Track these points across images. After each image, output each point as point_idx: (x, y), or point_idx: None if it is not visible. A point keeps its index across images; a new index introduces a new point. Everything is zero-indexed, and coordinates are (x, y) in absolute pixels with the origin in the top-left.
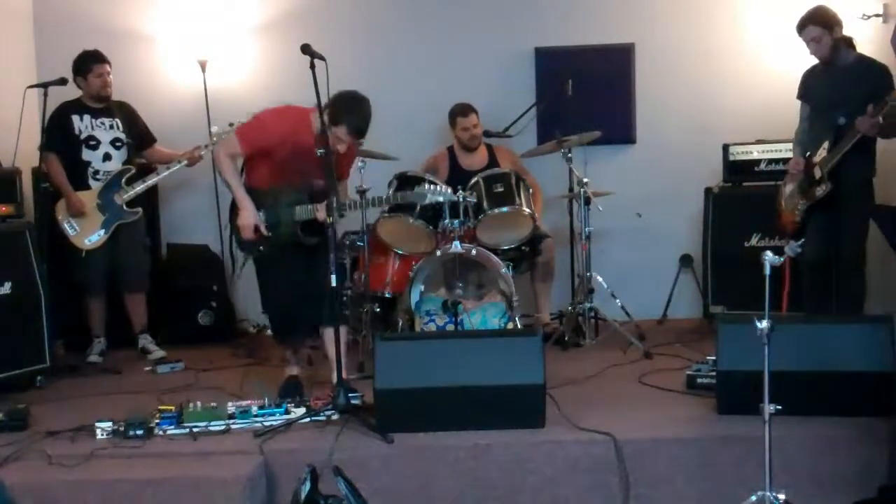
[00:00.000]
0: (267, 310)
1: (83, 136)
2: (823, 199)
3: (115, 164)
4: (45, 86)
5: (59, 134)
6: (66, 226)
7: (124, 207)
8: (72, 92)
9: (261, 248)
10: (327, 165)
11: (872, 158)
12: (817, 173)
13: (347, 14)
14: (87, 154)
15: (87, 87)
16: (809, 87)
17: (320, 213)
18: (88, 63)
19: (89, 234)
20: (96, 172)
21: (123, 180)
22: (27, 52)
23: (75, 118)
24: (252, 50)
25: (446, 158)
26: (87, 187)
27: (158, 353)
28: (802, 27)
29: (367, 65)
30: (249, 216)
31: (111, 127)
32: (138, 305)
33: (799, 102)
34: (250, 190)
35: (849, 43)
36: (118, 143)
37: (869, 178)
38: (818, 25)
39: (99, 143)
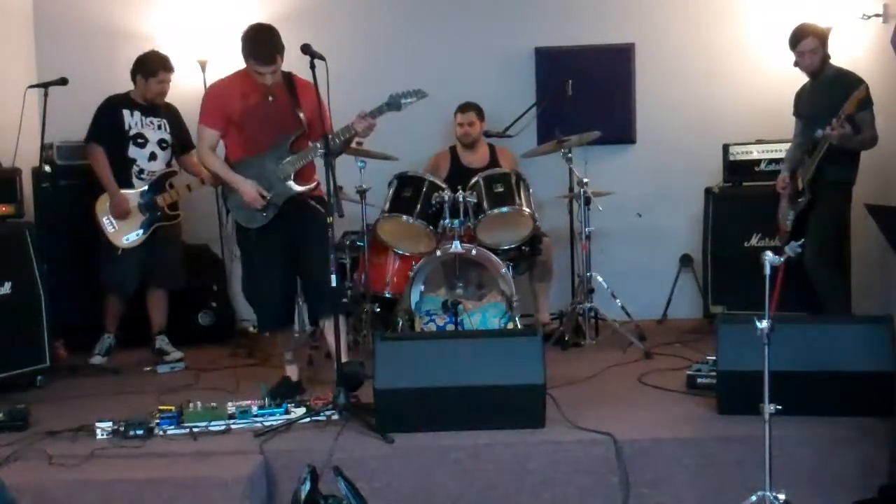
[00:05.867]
0: (246, 295)
1: (132, 133)
2: (807, 207)
3: (159, 165)
4: (45, 86)
5: (107, 127)
6: (105, 221)
7: (166, 210)
8: (74, 89)
9: (265, 213)
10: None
11: (851, 166)
12: (799, 185)
13: (347, 14)
14: (133, 151)
15: (144, 89)
16: (800, 103)
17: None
18: (156, 67)
19: (127, 233)
20: (141, 171)
21: (167, 183)
22: (27, 52)
23: (126, 113)
24: None
25: (448, 156)
26: (131, 185)
27: (176, 353)
28: (800, 39)
29: (367, 65)
30: (248, 188)
31: (159, 127)
32: (161, 303)
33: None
34: (234, 168)
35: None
36: (164, 144)
37: (845, 184)
38: (816, 37)
39: (147, 141)
